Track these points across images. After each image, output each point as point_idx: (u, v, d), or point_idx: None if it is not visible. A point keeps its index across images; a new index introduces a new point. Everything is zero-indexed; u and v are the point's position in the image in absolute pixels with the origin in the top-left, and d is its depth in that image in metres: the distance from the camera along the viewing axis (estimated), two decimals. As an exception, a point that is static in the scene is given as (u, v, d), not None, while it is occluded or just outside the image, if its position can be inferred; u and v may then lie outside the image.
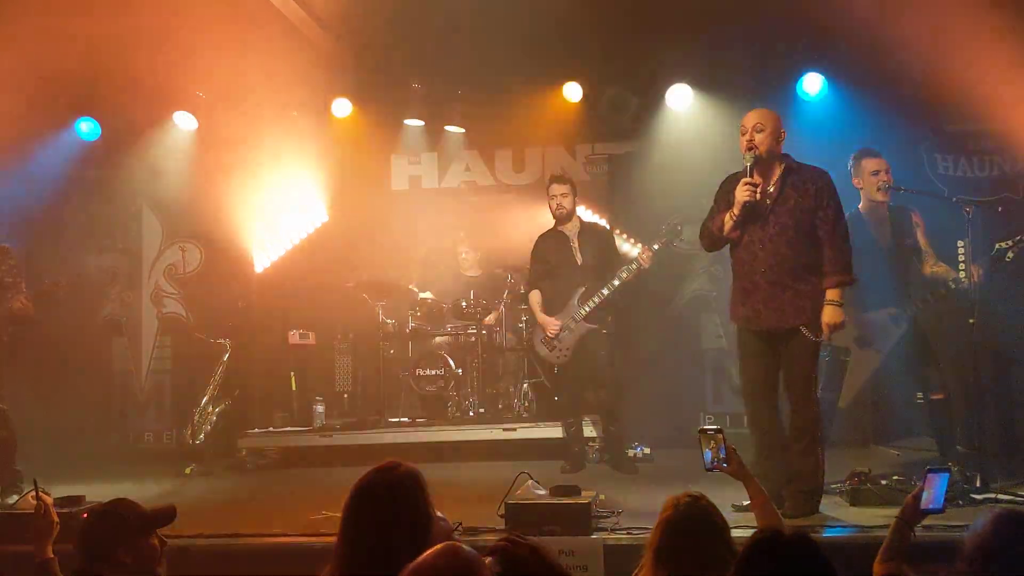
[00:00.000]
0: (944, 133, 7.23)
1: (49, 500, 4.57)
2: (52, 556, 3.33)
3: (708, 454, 3.42)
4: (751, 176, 4.50)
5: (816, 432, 4.59)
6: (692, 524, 2.59)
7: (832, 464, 5.33)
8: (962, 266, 5.02)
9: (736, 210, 4.55)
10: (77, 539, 2.91)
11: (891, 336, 5.25)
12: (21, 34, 6.47)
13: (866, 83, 6.78)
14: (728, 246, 4.78)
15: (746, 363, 4.76)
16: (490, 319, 7.63)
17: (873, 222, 5.39)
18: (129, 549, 2.88)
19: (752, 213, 4.56)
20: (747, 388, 4.74)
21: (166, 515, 3.06)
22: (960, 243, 5.02)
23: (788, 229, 4.52)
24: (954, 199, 5.20)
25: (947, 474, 3.02)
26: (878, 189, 5.31)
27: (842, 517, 4.48)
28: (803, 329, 4.49)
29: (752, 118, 4.60)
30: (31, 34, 6.55)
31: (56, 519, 3.46)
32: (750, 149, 4.54)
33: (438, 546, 2.03)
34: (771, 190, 4.59)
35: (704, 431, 3.45)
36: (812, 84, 7.11)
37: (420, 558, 1.98)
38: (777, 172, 4.61)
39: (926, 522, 4.09)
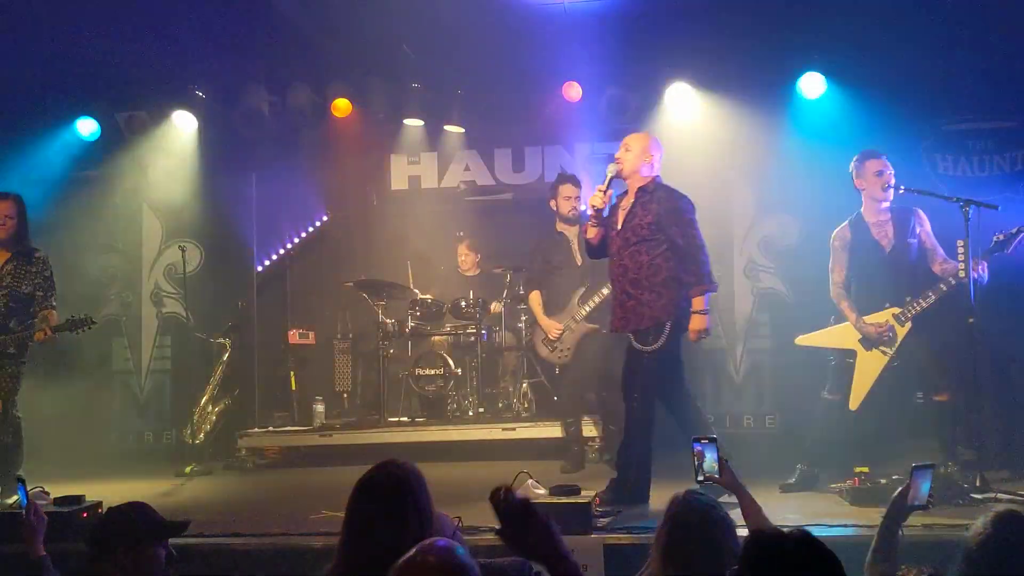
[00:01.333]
0: (944, 133, 7.23)
1: (48, 499, 4.59)
2: (44, 553, 3.33)
3: (700, 464, 3.40)
4: (606, 184, 4.98)
5: (630, 437, 4.92)
6: (702, 521, 2.58)
7: (835, 464, 5.34)
8: (962, 266, 5.02)
9: (591, 216, 5.04)
10: (85, 535, 2.91)
11: (896, 336, 5.25)
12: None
13: (866, 83, 6.78)
14: None
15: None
16: (495, 307, 7.60)
17: (875, 223, 5.39)
18: (129, 553, 2.85)
19: (608, 225, 5.06)
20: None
21: (177, 527, 3.04)
22: (960, 243, 5.02)
23: (631, 243, 4.93)
24: (954, 199, 5.20)
25: (931, 470, 3.03)
26: (883, 188, 5.30)
27: (843, 516, 4.48)
28: (631, 337, 4.90)
29: (627, 138, 5.12)
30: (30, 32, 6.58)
31: (44, 516, 3.47)
32: (615, 162, 5.01)
33: (428, 541, 2.03)
34: (628, 207, 5.01)
35: (699, 440, 3.44)
36: (811, 83, 7.12)
37: (410, 553, 1.98)
38: (635, 192, 5.02)
39: (926, 521, 4.10)
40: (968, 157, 7.22)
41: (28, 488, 4.53)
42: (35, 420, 6.97)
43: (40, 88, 7.37)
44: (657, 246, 4.88)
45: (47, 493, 4.80)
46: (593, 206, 4.97)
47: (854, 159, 5.44)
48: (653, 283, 4.87)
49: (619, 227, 5.00)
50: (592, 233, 5.11)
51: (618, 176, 5.02)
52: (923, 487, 2.98)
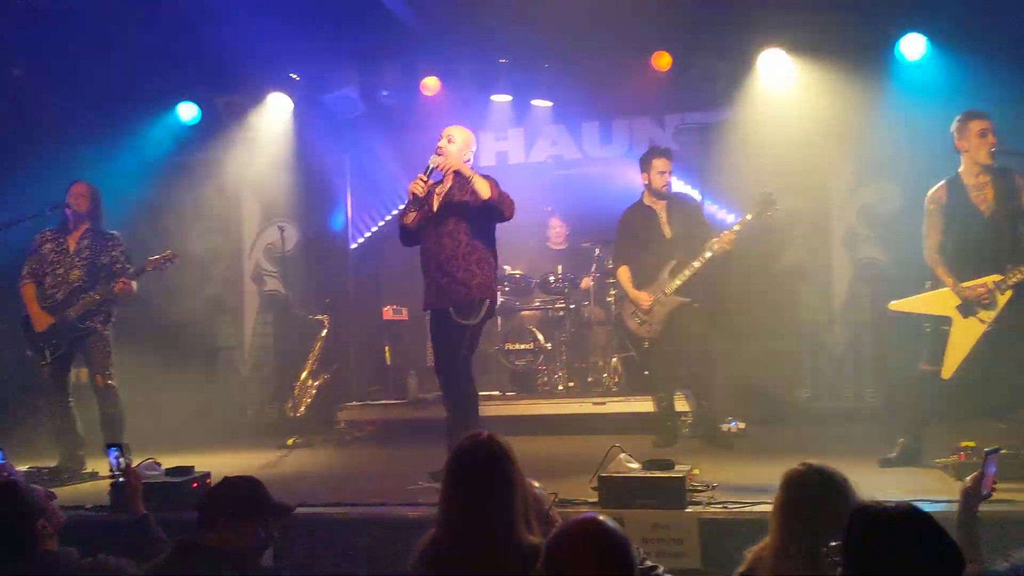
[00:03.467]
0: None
1: (160, 470, 4.83)
2: (145, 512, 3.58)
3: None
4: (426, 173, 5.17)
5: (464, 405, 5.21)
6: (822, 485, 2.55)
7: (937, 438, 5.18)
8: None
9: (410, 201, 5.24)
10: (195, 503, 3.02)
11: (995, 304, 5.02)
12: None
13: (968, 43, 6.47)
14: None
15: (433, 342, 5.45)
16: (585, 282, 7.62)
17: (974, 186, 5.13)
18: (229, 525, 2.98)
19: (424, 208, 5.28)
20: (436, 364, 5.37)
21: (281, 509, 3.14)
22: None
23: (449, 223, 5.19)
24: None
25: (996, 454, 2.85)
26: (987, 150, 5.05)
27: (947, 492, 4.34)
28: (451, 310, 5.14)
29: (448, 130, 5.33)
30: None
31: (140, 477, 3.84)
32: (438, 153, 5.22)
33: (579, 517, 2.11)
34: (445, 191, 5.27)
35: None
36: (912, 46, 6.83)
37: (560, 529, 2.06)
38: (452, 177, 5.27)
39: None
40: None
41: (141, 460, 4.78)
42: (144, 396, 7.32)
43: (142, 75, 7.63)
44: (472, 226, 5.18)
45: (159, 464, 5.03)
46: (413, 193, 5.19)
47: (956, 119, 5.19)
48: (469, 262, 5.16)
49: (435, 209, 5.27)
50: (410, 218, 5.33)
51: (439, 167, 5.27)
52: (992, 473, 2.79)
